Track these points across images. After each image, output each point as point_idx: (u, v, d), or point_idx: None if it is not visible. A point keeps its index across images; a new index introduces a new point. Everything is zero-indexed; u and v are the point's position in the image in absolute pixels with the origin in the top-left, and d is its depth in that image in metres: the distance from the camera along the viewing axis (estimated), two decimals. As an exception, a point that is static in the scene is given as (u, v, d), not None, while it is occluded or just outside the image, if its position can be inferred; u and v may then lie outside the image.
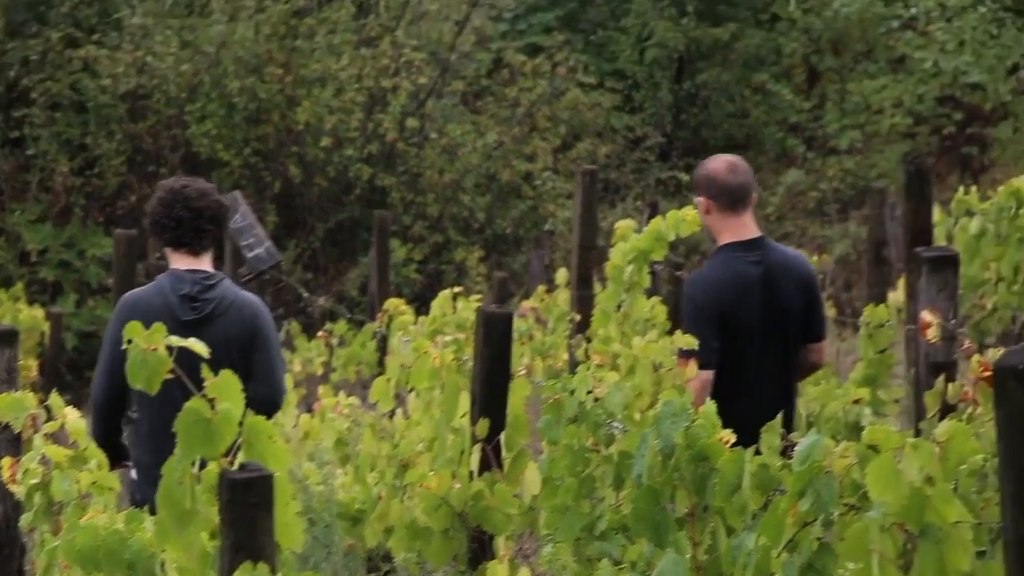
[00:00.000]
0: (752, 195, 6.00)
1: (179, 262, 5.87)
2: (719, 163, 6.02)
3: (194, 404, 3.61)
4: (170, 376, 4.61)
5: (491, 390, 5.70)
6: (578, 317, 8.74)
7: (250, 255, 9.42)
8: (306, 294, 8.94)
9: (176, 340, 3.69)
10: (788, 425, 5.59)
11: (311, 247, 18.34)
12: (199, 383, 5.15)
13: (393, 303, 10.27)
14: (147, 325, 5.66)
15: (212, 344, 5.65)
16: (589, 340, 8.54)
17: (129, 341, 3.65)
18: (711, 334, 5.86)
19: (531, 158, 18.85)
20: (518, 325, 9.03)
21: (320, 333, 12.71)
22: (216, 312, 5.80)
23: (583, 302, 8.82)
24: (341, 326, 12.61)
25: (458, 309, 9.72)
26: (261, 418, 3.65)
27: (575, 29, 21.80)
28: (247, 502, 3.47)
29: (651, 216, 10.25)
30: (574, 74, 19.59)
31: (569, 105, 19.38)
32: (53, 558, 4.78)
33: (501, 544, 5.34)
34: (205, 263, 5.90)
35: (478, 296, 9.85)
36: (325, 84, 18.56)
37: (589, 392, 5.08)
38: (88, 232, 17.90)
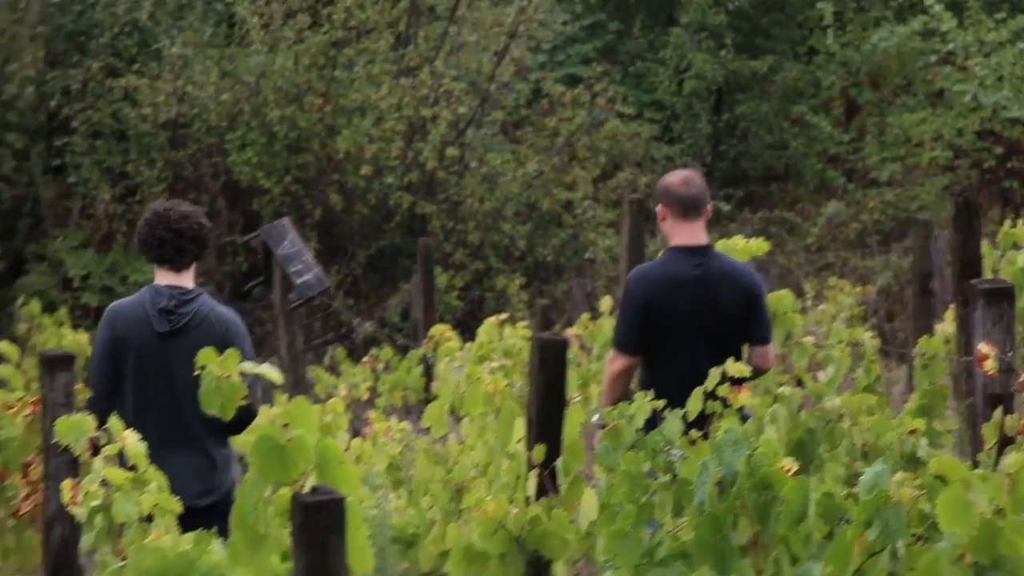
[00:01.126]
0: (704, 207, 6.59)
1: (162, 278, 6.41)
2: (675, 177, 6.69)
3: (268, 430, 3.64)
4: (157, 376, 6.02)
5: (547, 416, 5.72)
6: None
7: (299, 281, 9.46)
8: (356, 320, 9.00)
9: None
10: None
11: (352, 274, 18.40)
12: (179, 384, 6.13)
13: (439, 329, 10.31)
14: (128, 332, 6.32)
15: (184, 354, 6.07)
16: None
17: (203, 367, 3.70)
18: (634, 323, 6.47)
19: (571, 187, 18.90)
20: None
21: (366, 358, 12.78)
22: (190, 325, 6.31)
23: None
24: (387, 352, 12.65)
25: (504, 336, 9.77)
26: (334, 443, 3.69)
27: (613, 60, 21.84)
28: (320, 525, 3.49)
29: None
30: (613, 105, 19.62)
31: (608, 135, 19.42)
32: (117, 579, 4.81)
33: (559, 569, 5.35)
34: (186, 279, 6.41)
35: (524, 323, 9.89)
36: (365, 113, 18.63)
37: (649, 418, 5.11)
38: (130, 258, 17.99)
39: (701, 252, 6.55)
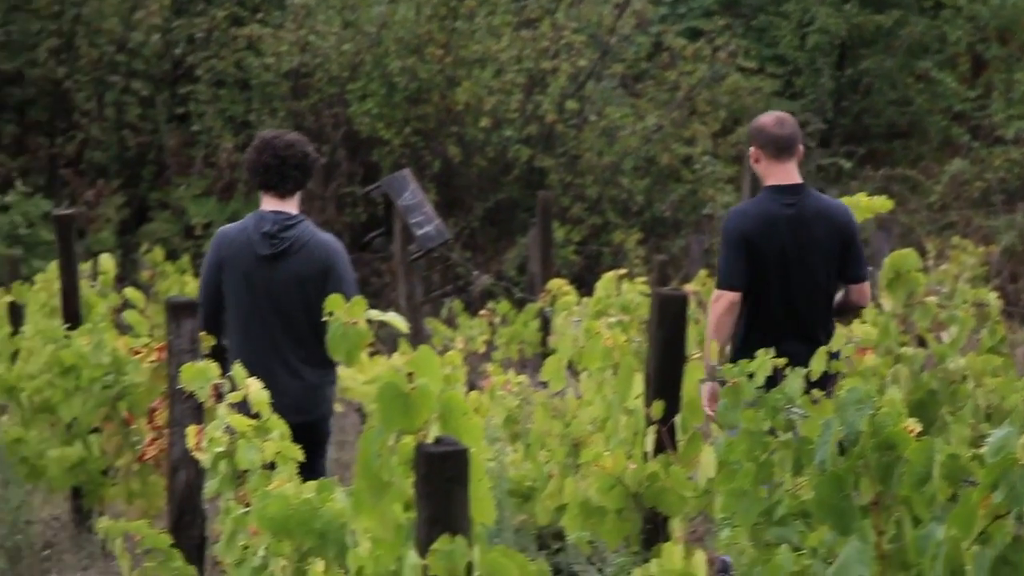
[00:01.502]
0: (797, 147, 6.71)
1: (267, 204, 6.62)
2: (768, 117, 6.78)
3: (393, 379, 3.66)
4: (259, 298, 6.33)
5: (665, 372, 5.71)
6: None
7: (419, 233, 9.51)
8: (473, 272, 9.04)
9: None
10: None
11: (470, 227, 18.44)
12: (280, 306, 6.44)
13: (556, 283, 10.28)
14: (232, 256, 6.59)
15: (284, 277, 6.52)
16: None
17: (330, 313, 3.74)
18: (736, 258, 6.60)
19: (690, 142, 18.78)
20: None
21: (482, 311, 12.82)
22: (291, 250, 6.51)
23: (750, 287, 8.78)
24: (503, 305, 12.68)
25: (622, 291, 9.73)
26: (457, 394, 3.70)
27: (736, 13, 21.64)
28: (443, 476, 3.51)
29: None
30: (734, 59, 19.45)
31: (729, 90, 19.26)
32: (240, 525, 4.88)
33: (675, 526, 5.35)
34: (290, 205, 6.61)
35: (642, 279, 9.85)
36: (485, 65, 18.62)
37: (771, 377, 5.08)
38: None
39: (795, 191, 6.69)
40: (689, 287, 11.11)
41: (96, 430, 8.28)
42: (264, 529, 4.41)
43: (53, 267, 9.05)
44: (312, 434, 6.42)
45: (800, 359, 6.05)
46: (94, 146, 19.00)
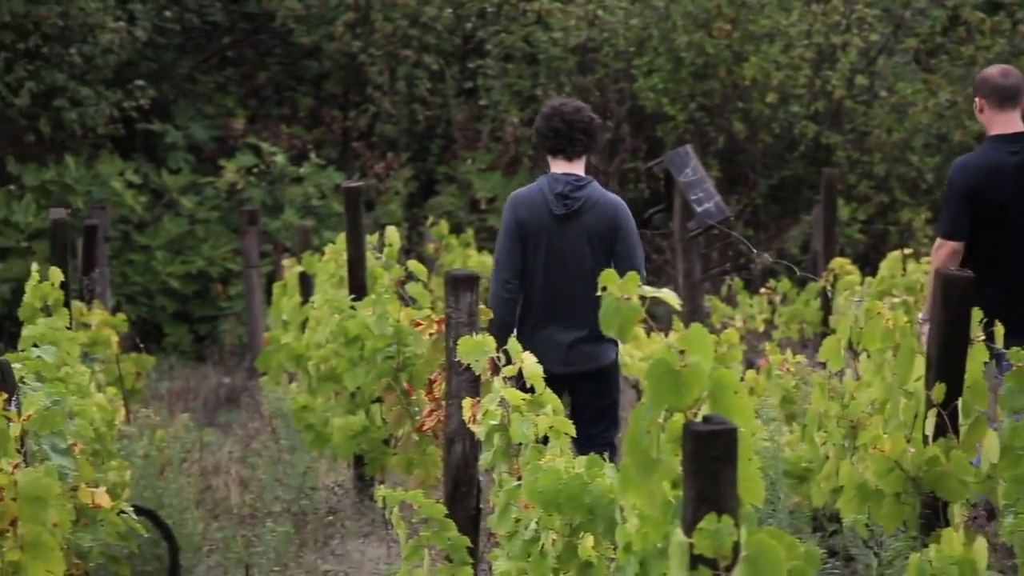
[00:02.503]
0: (1020, 97, 6.92)
1: (556, 166, 7.10)
2: (993, 69, 7.06)
3: (664, 355, 3.64)
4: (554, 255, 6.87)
5: (948, 355, 5.57)
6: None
7: (699, 209, 9.48)
8: (755, 250, 8.99)
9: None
10: None
11: (753, 203, 18.28)
12: (572, 262, 6.95)
13: (839, 262, 10.14)
14: (528, 216, 7.03)
15: (577, 234, 7.00)
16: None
17: (604, 288, 3.75)
18: (959, 210, 6.83)
19: (984, 119, 18.26)
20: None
21: (763, 290, 12.71)
22: (583, 209, 6.99)
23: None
24: (784, 284, 12.55)
25: (907, 271, 9.54)
26: (729, 372, 3.66)
27: (1037, -15, 20.94)
28: (711, 454, 3.48)
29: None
30: (1035, 32, 18.84)
31: (1028, 65, 18.68)
32: (512, 498, 4.93)
33: (956, 512, 5.22)
34: (578, 168, 7.10)
35: (928, 259, 9.64)
36: (773, 40, 18.40)
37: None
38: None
39: (1019, 139, 6.91)
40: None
41: (379, 400, 8.45)
42: (535, 503, 4.45)
43: (342, 238, 9.25)
44: (600, 382, 7.00)
45: None
46: (385, 119, 19.38)
